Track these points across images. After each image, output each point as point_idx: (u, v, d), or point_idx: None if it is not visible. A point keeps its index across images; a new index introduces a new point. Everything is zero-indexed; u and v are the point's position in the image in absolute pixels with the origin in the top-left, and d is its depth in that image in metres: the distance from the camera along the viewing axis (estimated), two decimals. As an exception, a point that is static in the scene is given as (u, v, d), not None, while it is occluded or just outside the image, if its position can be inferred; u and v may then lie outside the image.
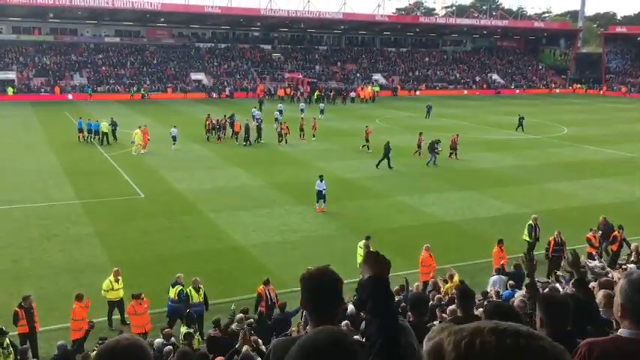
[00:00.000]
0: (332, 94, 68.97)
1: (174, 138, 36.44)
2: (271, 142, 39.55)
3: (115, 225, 21.74)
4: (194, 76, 77.18)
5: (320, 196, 23.67)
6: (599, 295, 7.49)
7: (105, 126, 38.52)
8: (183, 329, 12.47)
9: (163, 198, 25.51)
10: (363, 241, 17.31)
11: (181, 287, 14.34)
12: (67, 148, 36.54)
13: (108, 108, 54.93)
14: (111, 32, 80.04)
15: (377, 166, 31.58)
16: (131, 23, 79.96)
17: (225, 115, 41.94)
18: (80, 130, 39.27)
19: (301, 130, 40.77)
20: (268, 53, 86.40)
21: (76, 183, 27.66)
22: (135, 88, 69.96)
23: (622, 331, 2.73)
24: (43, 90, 67.51)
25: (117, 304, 14.78)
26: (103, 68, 74.03)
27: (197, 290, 14.35)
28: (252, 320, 12.32)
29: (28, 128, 44.63)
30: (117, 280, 14.72)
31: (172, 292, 14.31)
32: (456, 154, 34.58)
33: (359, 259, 16.80)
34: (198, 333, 13.07)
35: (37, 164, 31.58)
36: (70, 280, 16.95)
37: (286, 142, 38.96)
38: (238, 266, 18.20)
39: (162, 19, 78.69)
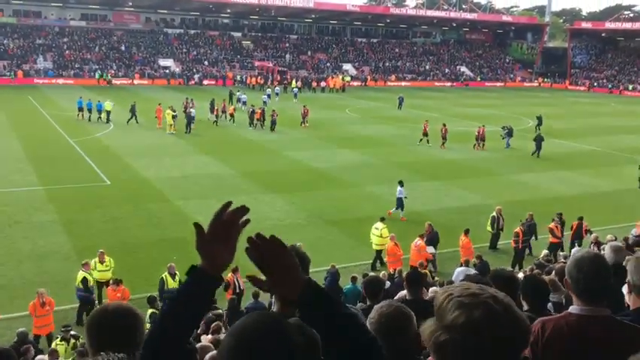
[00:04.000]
0: (300, 84, 68.66)
1: (192, 118, 38.79)
2: (240, 129, 39.38)
3: (80, 212, 21.35)
4: (162, 62, 76.02)
5: (399, 203, 21.95)
6: (547, 280, 7.77)
7: (109, 105, 40.38)
8: (149, 311, 12.41)
9: (130, 185, 25.13)
10: (378, 222, 18.04)
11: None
12: (31, 133, 35.64)
13: (73, 93, 53.76)
14: (77, 15, 78.12)
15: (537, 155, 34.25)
16: (97, 7, 78.12)
17: (187, 98, 42.69)
18: (80, 109, 40.89)
19: (303, 117, 41.86)
20: (238, 41, 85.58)
21: (40, 169, 27.05)
22: (100, 74, 68.53)
23: (572, 308, 2.86)
24: (9, 74, 65.52)
25: (105, 285, 14.93)
26: (68, 52, 72.31)
27: (173, 277, 14.33)
28: (220, 311, 12.23)
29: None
30: (101, 262, 14.96)
31: None
32: (483, 144, 36.18)
33: (375, 240, 17.77)
34: None
35: (-1, 149, 30.77)
36: (34, 267, 16.63)
37: (255, 127, 39.82)
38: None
39: (130, 3, 77.10)
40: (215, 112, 41.07)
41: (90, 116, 40.63)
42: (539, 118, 43.03)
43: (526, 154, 35.25)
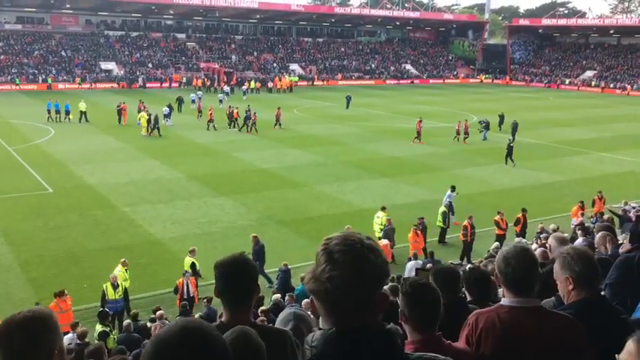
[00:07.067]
0: (247, 84, 68.22)
1: (165, 116, 41.34)
2: (189, 132, 38.89)
3: (22, 222, 20.64)
4: (104, 65, 74.15)
5: (450, 208, 21.28)
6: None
7: (83, 105, 42.37)
8: (98, 327, 12.05)
9: (74, 193, 24.45)
10: (379, 212, 18.98)
11: None
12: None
13: (10, 99, 51.90)
14: (12, 19, 75.28)
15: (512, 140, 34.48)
16: (34, 9, 75.49)
17: (140, 101, 42.63)
18: (49, 111, 42.84)
19: (277, 118, 41.96)
20: (182, 42, 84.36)
21: (-23, 179, 25.99)
22: (82, 79, 66.27)
23: (503, 300, 3.00)
24: None
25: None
26: (3, 57, 69.65)
27: (115, 287, 13.96)
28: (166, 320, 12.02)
29: None
30: (126, 270, 14.96)
31: None
32: (465, 138, 38.01)
33: (376, 228, 18.66)
34: (114, 332, 12.68)
35: None
36: (-27, 282, 15.97)
37: (215, 128, 40.28)
38: (156, 260, 17.81)
39: (68, 5, 74.79)
40: (209, 118, 40.66)
41: (57, 117, 42.07)
42: (501, 117, 43.92)
43: (467, 148, 36.14)
